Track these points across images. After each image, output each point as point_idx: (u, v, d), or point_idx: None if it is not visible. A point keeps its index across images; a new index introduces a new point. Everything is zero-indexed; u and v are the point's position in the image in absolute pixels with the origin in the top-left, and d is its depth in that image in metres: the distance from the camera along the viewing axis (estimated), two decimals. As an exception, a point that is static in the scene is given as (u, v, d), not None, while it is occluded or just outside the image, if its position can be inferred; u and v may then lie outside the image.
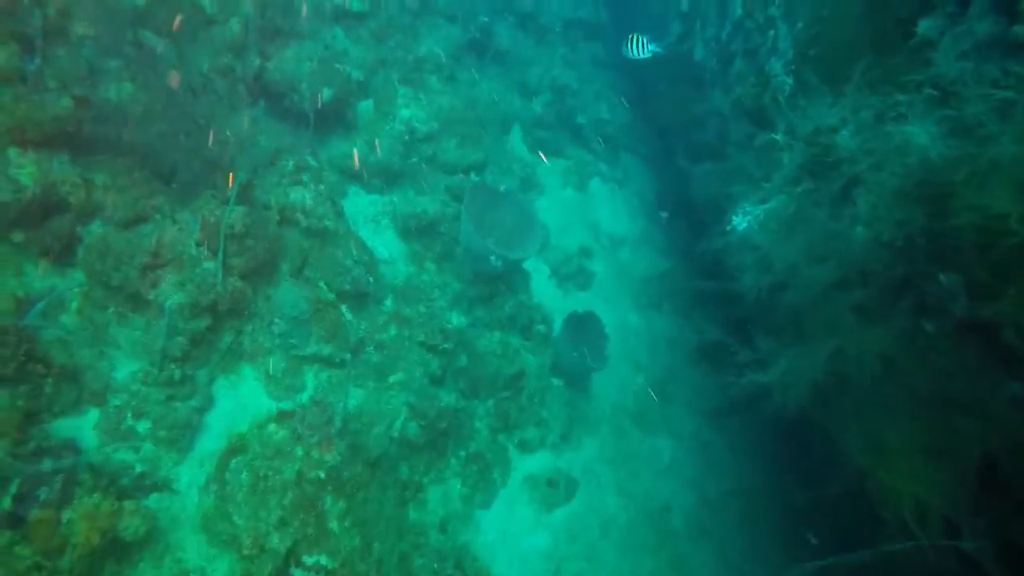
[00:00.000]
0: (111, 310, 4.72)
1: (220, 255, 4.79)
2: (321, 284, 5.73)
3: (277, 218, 5.28)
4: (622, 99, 11.83)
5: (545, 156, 10.39)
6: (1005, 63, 3.71)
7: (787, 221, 5.09)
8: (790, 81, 6.10)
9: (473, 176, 8.24)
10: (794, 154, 5.27)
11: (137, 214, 4.84)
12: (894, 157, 3.42)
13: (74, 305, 4.63)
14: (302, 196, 5.63)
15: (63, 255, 4.86)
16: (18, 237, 4.73)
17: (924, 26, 4.68)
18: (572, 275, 9.22)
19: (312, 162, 5.87)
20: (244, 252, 4.96)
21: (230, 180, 4.86)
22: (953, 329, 3.99)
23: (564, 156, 10.84)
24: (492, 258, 6.37)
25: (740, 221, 5.48)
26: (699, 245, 6.11)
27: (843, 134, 4.07)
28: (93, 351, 4.57)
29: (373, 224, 7.49)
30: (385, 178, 7.73)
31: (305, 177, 5.74)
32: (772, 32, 6.70)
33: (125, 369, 4.68)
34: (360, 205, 7.57)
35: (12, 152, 4.59)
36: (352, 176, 7.55)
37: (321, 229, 5.64)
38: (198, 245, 4.78)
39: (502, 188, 7.16)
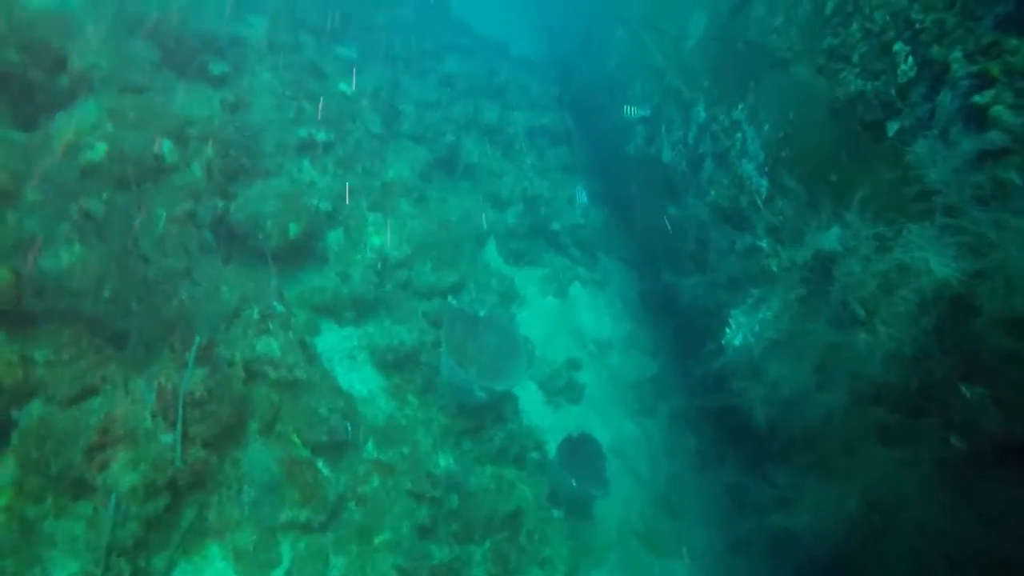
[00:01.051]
0: (48, 502, 4.18)
1: (179, 426, 4.33)
2: (295, 439, 5.24)
3: (243, 375, 4.87)
4: (584, 196, 11.88)
5: (522, 265, 10.26)
6: (993, 170, 3.58)
7: (784, 332, 4.81)
8: (765, 183, 6.02)
9: (451, 299, 7.96)
10: (782, 261, 5.08)
11: (84, 387, 4.41)
12: (905, 281, 3.18)
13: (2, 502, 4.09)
14: (269, 346, 5.25)
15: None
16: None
17: (893, 128, 4.63)
18: (562, 389, 8.80)
19: (279, 308, 5.55)
20: (206, 418, 4.51)
21: (189, 342, 4.48)
22: (989, 448, 3.63)
23: (542, 264, 10.69)
24: (477, 391, 5.96)
25: (734, 334, 5.20)
26: (696, 368, 5.79)
27: (846, 260, 3.85)
28: (21, 557, 3.99)
29: (349, 360, 7.09)
30: (359, 309, 7.41)
31: (272, 325, 5.38)
32: (739, 135, 6.71)
33: (62, 573, 4.08)
34: (334, 341, 7.19)
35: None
36: (324, 311, 7.23)
37: (292, 380, 5.23)
38: (154, 416, 4.32)
39: (481, 313, 6.87)
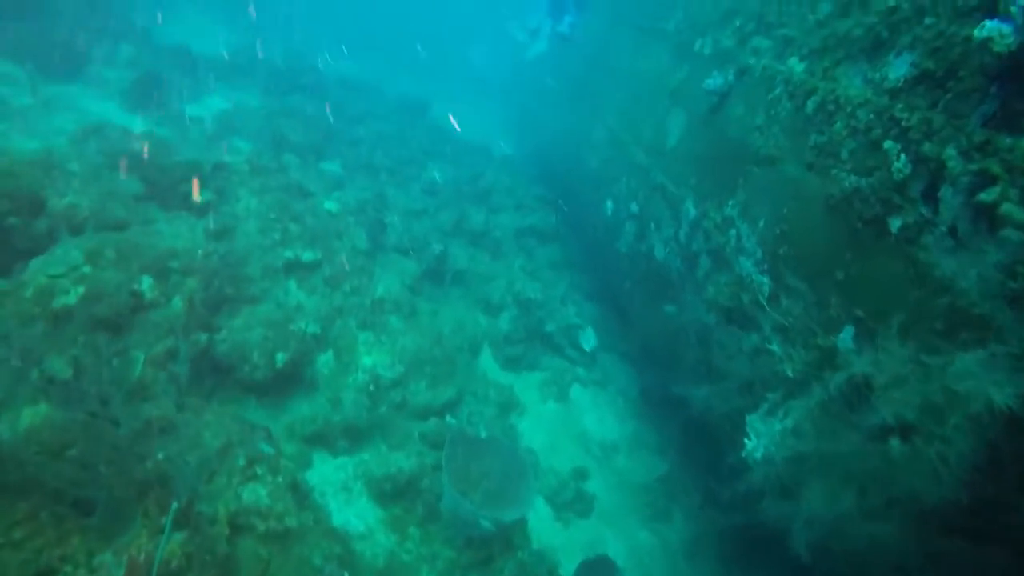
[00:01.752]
0: None
1: (152, 604, 3.85)
2: (285, 599, 4.72)
3: (227, 532, 4.42)
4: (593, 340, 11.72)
5: (519, 371, 9.95)
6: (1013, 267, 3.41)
7: (811, 445, 4.47)
8: (766, 281, 5.86)
9: (449, 419, 7.58)
10: (797, 365, 4.82)
11: (39, 570, 3.93)
12: (953, 408, 2.92)
13: None
14: (257, 495, 4.82)
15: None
16: None
17: (896, 224, 4.51)
18: (570, 502, 8.27)
19: (267, 450, 5.16)
20: (184, 591, 4.03)
21: (166, 504, 4.07)
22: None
23: (540, 368, 10.39)
24: (484, 522, 5.50)
25: (755, 446, 4.85)
26: (720, 488, 5.40)
27: (881, 382, 3.60)
28: None
29: (344, 493, 6.61)
30: (352, 437, 7.00)
31: (260, 470, 4.98)
32: (733, 231, 6.63)
33: None
34: (327, 472, 6.74)
35: None
36: (316, 441, 6.81)
37: (282, 531, 4.77)
38: (123, 596, 3.84)
39: (483, 434, 6.49)
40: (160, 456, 4.01)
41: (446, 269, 10.34)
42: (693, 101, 8.18)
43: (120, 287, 5.96)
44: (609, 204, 10.68)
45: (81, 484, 3.94)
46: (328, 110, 16.67)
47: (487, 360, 10.05)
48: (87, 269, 5.93)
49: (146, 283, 6.20)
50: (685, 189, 7.90)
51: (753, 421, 5.17)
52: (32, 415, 4.32)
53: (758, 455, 4.68)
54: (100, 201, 6.96)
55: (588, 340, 10.84)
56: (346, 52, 24.49)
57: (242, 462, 4.93)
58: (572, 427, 9.94)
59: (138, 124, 13.39)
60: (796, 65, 5.89)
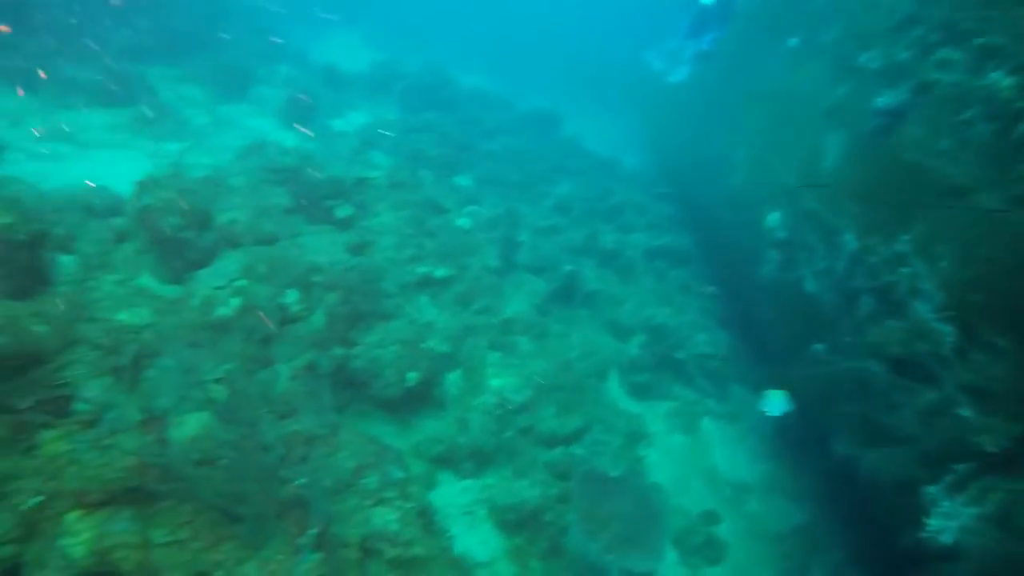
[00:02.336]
0: None
1: (287, 624, 3.90)
2: (408, 628, 4.66)
3: (358, 556, 4.43)
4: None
5: (647, 400, 9.50)
6: None
7: (1015, 532, 3.76)
8: (950, 330, 5.09)
9: (575, 448, 7.31)
10: (998, 437, 4.09)
11: (197, 572, 4.10)
12: None
13: None
14: (386, 520, 4.81)
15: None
16: (65, 612, 4.08)
17: None
18: (699, 548, 7.70)
19: (397, 474, 5.16)
20: (317, 613, 4.06)
21: (304, 525, 4.13)
22: None
23: (669, 398, 9.86)
24: (613, 572, 5.18)
25: (941, 527, 4.17)
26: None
27: None
28: None
29: (467, 517, 6.52)
30: (478, 460, 6.92)
31: (390, 494, 4.98)
32: (906, 270, 5.86)
33: None
34: (452, 495, 6.69)
35: (72, 517, 4.09)
36: (442, 462, 6.79)
37: (409, 559, 4.72)
38: (262, 612, 3.92)
39: (613, 473, 6.16)
40: (300, 482, 4.07)
41: (576, 289, 10.10)
42: (855, 121, 7.42)
43: (270, 300, 6.25)
44: (750, 228, 9.99)
45: (230, 495, 4.08)
46: (461, 126, 17.05)
47: (614, 386, 9.68)
48: (243, 282, 6.27)
49: (292, 297, 6.46)
50: (844, 219, 7.14)
51: (936, 494, 4.47)
52: (196, 423, 4.55)
53: (947, 540, 4.01)
54: (255, 216, 7.38)
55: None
56: (480, 67, 25.13)
57: (374, 485, 4.96)
58: (701, 463, 9.32)
59: (290, 139, 14.36)
60: (1001, 80, 5.09)
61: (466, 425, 7.03)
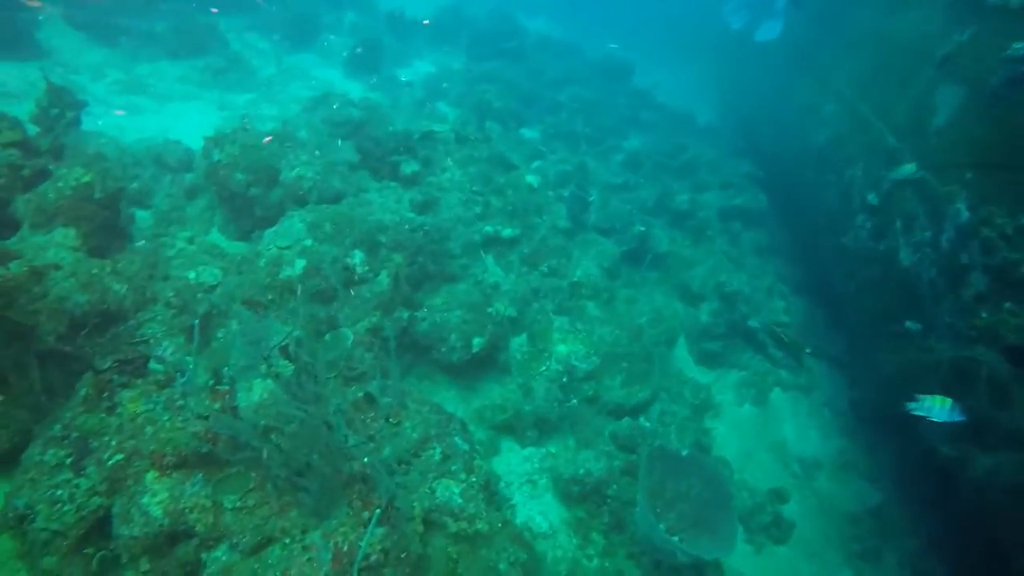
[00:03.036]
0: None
1: (353, 595, 3.90)
2: (471, 600, 4.62)
3: (421, 530, 4.39)
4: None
5: (716, 369, 9.12)
6: None
7: None
8: (1080, 318, 4.52)
9: (642, 420, 7.09)
10: None
11: (264, 537, 4.15)
12: None
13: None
14: (450, 493, 4.74)
15: (186, 580, 4.29)
16: (144, 566, 4.23)
17: None
18: (765, 526, 7.43)
19: (462, 446, 5.07)
20: (381, 584, 4.05)
21: (368, 500, 4.09)
22: None
23: (739, 367, 9.44)
24: (680, 556, 4.99)
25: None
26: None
27: None
28: None
29: (529, 486, 6.44)
30: (542, 428, 6.79)
31: (454, 467, 4.89)
32: (1031, 248, 5.23)
33: None
34: (514, 462, 6.61)
35: (150, 476, 4.19)
36: (505, 429, 6.70)
37: (472, 533, 4.65)
38: (328, 580, 3.93)
39: (684, 452, 5.91)
40: (366, 460, 4.00)
41: (646, 251, 9.69)
42: (979, 72, 6.59)
43: (335, 261, 6.17)
44: (837, 190, 9.25)
45: (295, 464, 4.06)
46: (529, 75, 16.46)
47: (682, 353, 9.33)
48: (308, 242, 6.20)
49: (357, 257, 6.37)
50: (955, 185, 6.44)
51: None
52: (263, 388, 4.55)
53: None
54: (322, 172, 7.28)
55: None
56: (549, 13, 24.10)
57: (438, 457, 4.88)
58: (769, 436, 8.94)
59: (356, 90, 14.19)
60: None
61: (530, 392, 6.89)
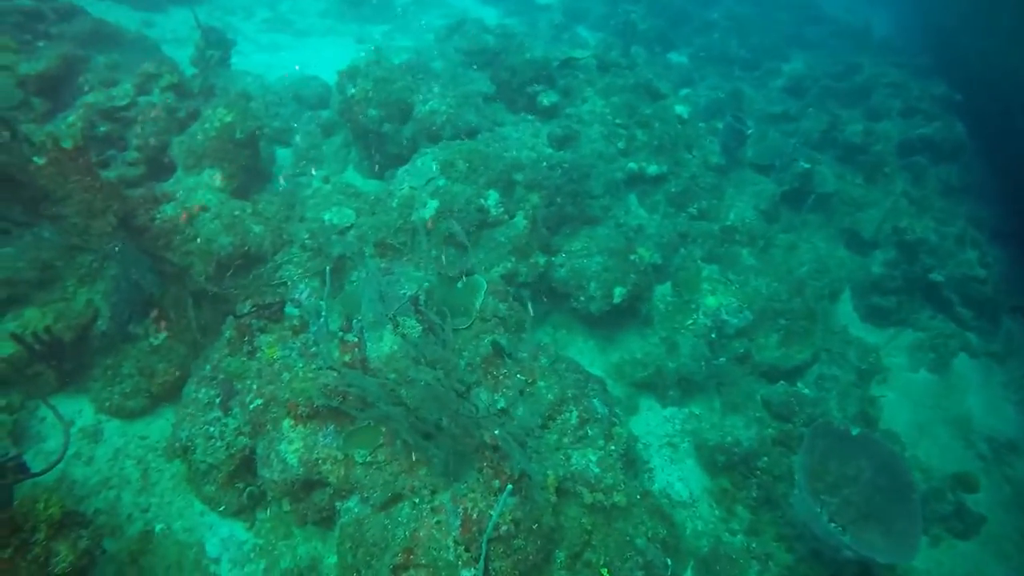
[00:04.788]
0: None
1: (482, 563, 3.69)
2: (604, 574, 4.31)
3: (554, 499, 4.08)
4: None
5: (887, 328, 7.96)
6: None
7: None
8: None
9: (800, 386, 6.30)
10: None
11: (394, 493, 4.05)
12: None
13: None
14: (586, 461, 4.38)
15: (324, 523, 4.34)
16: (286, 506, 4.35)
17: None
18: (946, 517, 6.47)
19: (601, 410, 4.66)
20: (511, 554, 3.81)
21: (500, 468, 3.82)
22: None
23: (916, 326, 8.20)
24: (845, 551, 4.34)
25: None
26: None
27: None
28: None
29: (669, 449, 5.97)
30: (685, 387, 6.23)
31: (591, 431, 4.51)
32: None
33: None
34: (654, 423, 6.14)
35: (286, 424, 4.19)
36: (645, 387, 6.22)
37: (608, 506, 4.29)
38: (457, 545, 3.75)
39: (854, 431, 5.12)
40: (497, 432, 3.70)
41: (809, 191, 8.52)
42: None
43: (469, 202, 5.83)
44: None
45: (425, 421, 3.86)
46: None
47: (846, 309, 8.23)
48: (441, 182, 5.89)
49: (492, 198, 5.98)
50: None
51: None
52: (393, 340, 4.37)
53: None
54: (455, 106, 6.88)
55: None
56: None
57: (575, 420, 4.51)
58: (950, 408, 7.74)
59: (492, 16, 13.56)
60: None
61: (675, 348, 6.31)
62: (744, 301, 6.58)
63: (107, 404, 4.85)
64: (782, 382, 6.34)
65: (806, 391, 6.34)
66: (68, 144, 5.69)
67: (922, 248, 8.17)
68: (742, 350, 6.45)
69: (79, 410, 4.93)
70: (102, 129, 5.90)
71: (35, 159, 5.06)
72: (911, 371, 7.88)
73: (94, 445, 4.80)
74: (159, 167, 6.07)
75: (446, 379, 3.48)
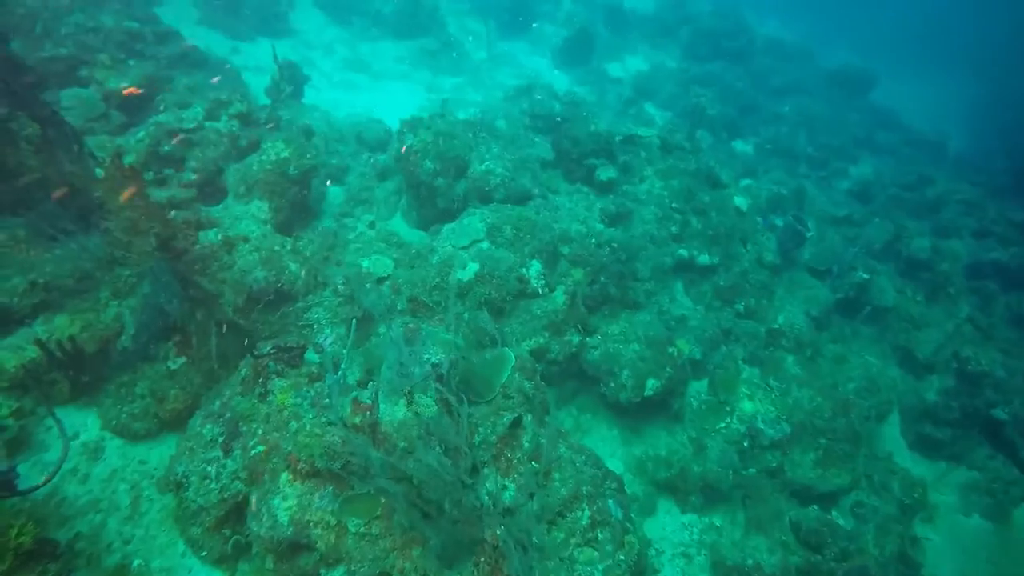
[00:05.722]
0: None
1: (463, 670, 3.37)
2: None
3: (554, 606, 3.75)
4: None
5: (937, 462, 7.38)
6: None
7: None
8: None
9: (835, 516, 5.82)
10: None
11: (382, 572, 3.77)
12: None
13: None
14: (592, 570, 4.03)
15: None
16: (270, 563, 4.12)
17: None
18: None
19: (615, 512, 4.33)
20: (496, 666, 3.48)
21: (497, 566, 3.52)
22: None
23: (970, 464, 7.60)
24: None
25: None
26: None
27: None
28: None
29: (683, 560, 5.54)
30: (709, 495, 5.83)
31: (602, 535, 4.18)
32: None
33: None
34: (670, 528, 5.73)
35: (284, 477, 4.01)
36: (666, 488, 5.84)
37: (612, 623, 3.92)
38: (441, 644, 3.45)
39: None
40: (499, 532, 3.43)
41: (865, 302, 8.13)
42: None
43: (511, 270, 5.68)
44: None
45: (427, 500, 3.61)
46: (750, 79, 14.94)
47: (892, 432, 7.70)
48: (485, 245, 5.78)
49: (534, 269, 5.83)
50: None
51: None
52: (405, 409, 4.17)
53: None
54: (512, 169, 6.83)
55: None
56: (783, 16, 21.84)
57: (586, 521, 4.20)
58: (1008, 566, 7.02)
59: (562, 82, 13.75)
60: None
61: (703, 450, 5.94)
62: (783, 412, 6.19)
63: (114, 422, 4.75)
64: (814, 506, 5.87)
65: (841, 521, 5.85)
66: (131, 159, 5.83)
67: (986, 381, 7.64)
68: (775, 464, 6.03)
69: (85, 423, 4.84)
70: (166, 148, 6.02)
71: (97, 171, 5.16)
72: (962, 514, 7.25)
73: (92, 463, 4.68)
74: (212, 191, 6.14)
75: (453, 467, 3.24)
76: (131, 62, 7.28)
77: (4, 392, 4.67)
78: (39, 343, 4.51)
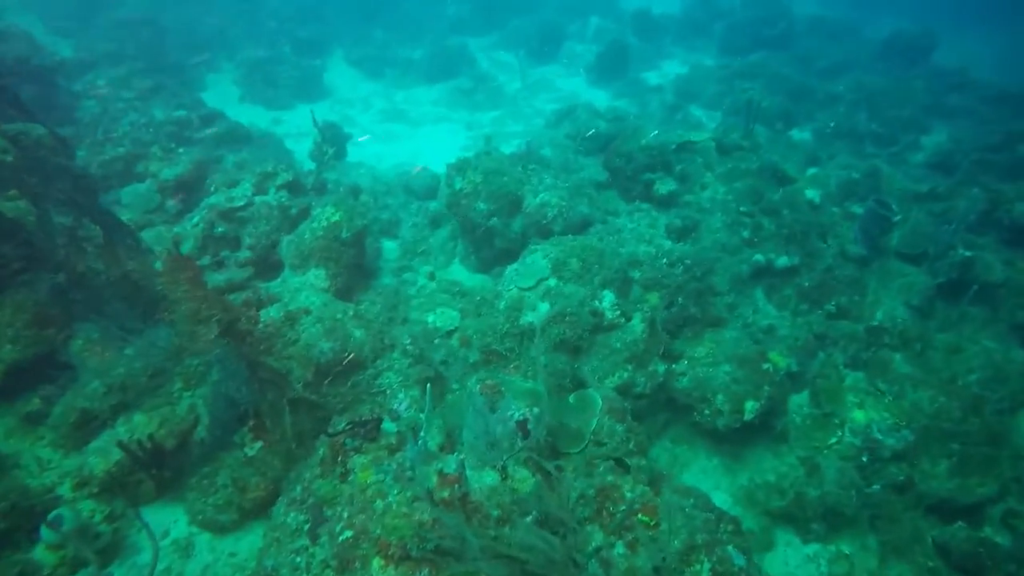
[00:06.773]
0: None
1: None
2: None
3: None
4: None
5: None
6: None
7: None
8: None
9: (989, 533, 5.14)
10: None
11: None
12: None
13: None
14: (723, 632, 3.61)
15: None
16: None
17: None
18: None
19: (737, 560, 3.87)
20: None
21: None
22: None
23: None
24: None
25: None
26: None
27: None
28: None
29: (814, 597, 4.99)
30: (832, 520, 5.26)
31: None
32: None
33: None
34: (794, 562, 5.18)
35: (375, 564, 3.75)
36: (781, 517, 5.31)
37: None
38: None
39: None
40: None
41: (969, 281, 7.37)
42: None
43: (582, 304, 5.36)
44: None
45: (527, 573, 3.29)
46: (797, 64, 14.28)
47: (1028, 424, 6.88)
48: (552, 282, 5.49)
49: (607, 300, 5.49)
50: None
51: None
52: (495, 474, 3.88)
53: None
54: (567, 197, 6.56)
55: None
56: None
57: (707, 573, 3.78)
58: None
59: (602, 99, 13.47)
60: None
61: (817, 471, 5.40)
62: (901, 417, 5.58)
63: (200, 516, 4.66)
64: (960, 523, 5.20)
65: (998, 539, 5.15)
66: (188, 245, 5.85)
67: None
68: (902, 477, 5.40)
69: (174, 520, 4.77)
70: (220, 230, 6.04)
71: (156, 264, 5.18)
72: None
73: (185, 560, 4.59)
74: (269, 265, 6.11)
75: (563, 545, 2.92)
76: (180, 150, 7.45)
77: (95, 497, 4.67)
78: (121, 445, 4.48)
